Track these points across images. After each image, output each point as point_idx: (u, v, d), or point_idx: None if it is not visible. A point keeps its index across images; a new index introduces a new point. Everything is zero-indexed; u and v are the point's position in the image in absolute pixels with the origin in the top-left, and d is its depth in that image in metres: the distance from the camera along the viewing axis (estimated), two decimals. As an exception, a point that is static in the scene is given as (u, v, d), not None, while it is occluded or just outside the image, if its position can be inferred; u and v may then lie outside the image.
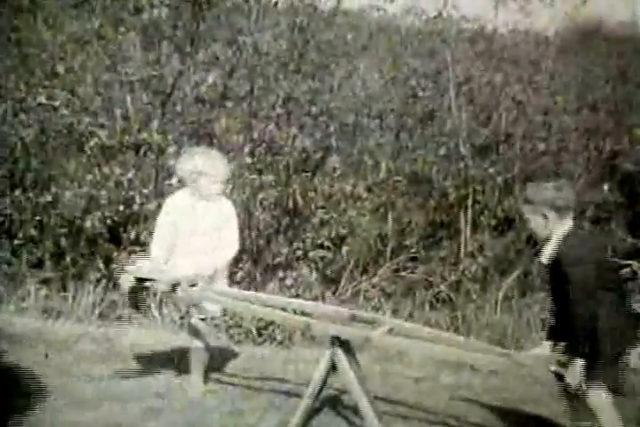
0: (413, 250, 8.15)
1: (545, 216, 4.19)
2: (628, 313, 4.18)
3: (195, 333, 5.31)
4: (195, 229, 5.10)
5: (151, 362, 5.79)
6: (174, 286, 4.86)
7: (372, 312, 6.81)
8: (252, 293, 5.71)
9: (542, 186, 4.27)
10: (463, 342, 4.65)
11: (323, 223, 7.98)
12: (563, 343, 4.17)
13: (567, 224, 4.20)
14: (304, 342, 6.65)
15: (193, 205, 5.14)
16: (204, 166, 5.08)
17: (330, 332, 4.64)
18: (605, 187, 8.96)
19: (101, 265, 7.46)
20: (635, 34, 11.34)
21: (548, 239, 4.26)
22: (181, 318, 6.43)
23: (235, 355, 6.25)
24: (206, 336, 5.39)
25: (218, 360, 5.92)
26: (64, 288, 7.32)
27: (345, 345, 4.59)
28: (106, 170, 7.58)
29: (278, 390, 5.42)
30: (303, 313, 4.95)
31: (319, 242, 7.84)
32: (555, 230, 4.20)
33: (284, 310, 5.07)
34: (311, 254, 7.72)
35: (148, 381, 5.39)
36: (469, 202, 8.23)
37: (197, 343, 5.30)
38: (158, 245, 5.14)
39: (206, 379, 5.40)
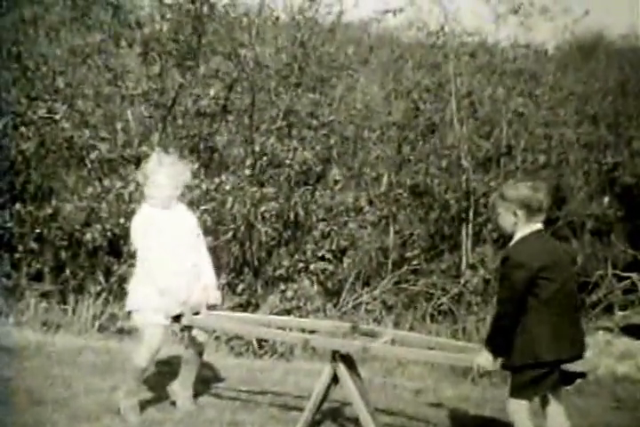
0: (415, 262, 8.16)
1: (515, 214, 4.16)
2: (557, 327, 3.97)
3: (194, 344, 5.24)
4: (165, 238, 4.93)
5: (151, 374, 5.75)
6: (178, 316, 4.89)
7: (374, 325, 6.81)
8: (250, 315, 5.81)
9: (520, 184, 4.24)
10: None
11: (324, 236, 7.99)
12: None
13: (534, 228, 4.16)
14: (305, 355, 6.63)
15: (153, 216, 4.92)
16: (151, 172, 4.89)
17: (328, 346, 4.64)
18: (605, 199, 8.98)
19: (101, 278, 7.46)
20: (635, 46, 11.41)
21: (511, 238, 4.24)
22: (181, 330, 6.39)
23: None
24: (204, 344, 5.33)
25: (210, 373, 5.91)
26: (64, 301, 7.31)
27: (346, 358, 4.56)
28: (106, 183, 7.58)
29: (279, 402, 5.38)
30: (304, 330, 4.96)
31: (320, 254, 7.84)
32: (520, 230, 4.17)
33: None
34: (312, 267, 7.72)
35: (148, 393, 5.35)
36: (471, 215, 8.22)
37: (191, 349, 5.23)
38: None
39: (195, 390, 5.31)
